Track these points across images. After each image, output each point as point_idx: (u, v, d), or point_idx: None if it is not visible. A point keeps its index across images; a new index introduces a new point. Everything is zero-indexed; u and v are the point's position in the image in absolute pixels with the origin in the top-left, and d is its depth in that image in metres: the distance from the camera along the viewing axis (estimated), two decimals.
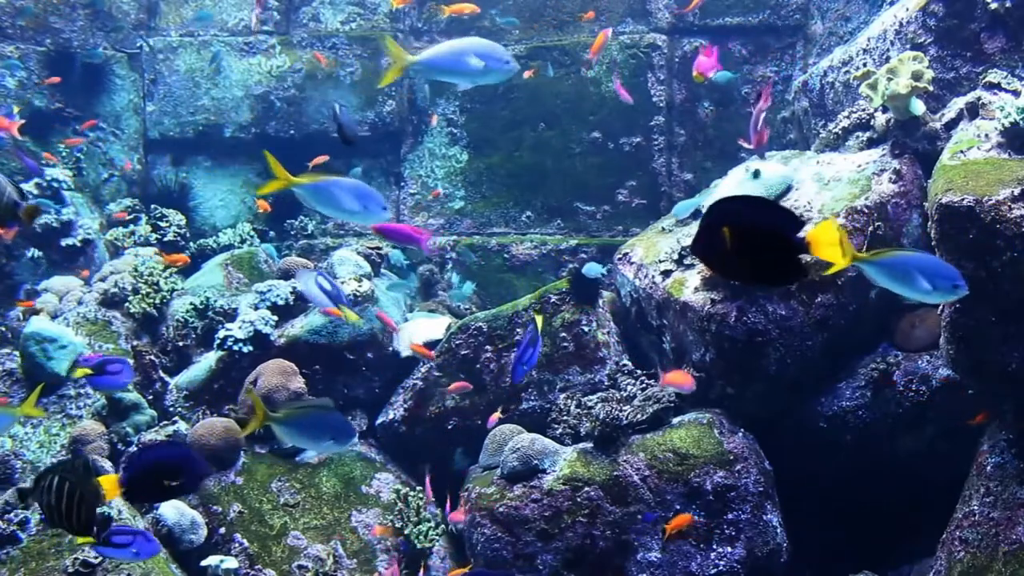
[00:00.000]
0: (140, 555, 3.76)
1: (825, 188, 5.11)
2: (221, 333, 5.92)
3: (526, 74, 7.17)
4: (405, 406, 5.80)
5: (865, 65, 5.65)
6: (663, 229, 5.89)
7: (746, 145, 5.32)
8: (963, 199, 3.83)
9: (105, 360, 5.04)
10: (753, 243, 2.27)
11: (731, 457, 4.76)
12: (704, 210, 5.49)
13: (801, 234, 2.25)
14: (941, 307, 4.09)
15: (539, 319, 4.85)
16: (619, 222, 7.47)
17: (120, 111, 8.02)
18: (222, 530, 5.09)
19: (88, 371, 4.97)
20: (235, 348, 5.84)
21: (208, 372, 5.93)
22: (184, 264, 6.96)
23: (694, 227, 5.53)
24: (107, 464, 5.11)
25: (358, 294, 6.06)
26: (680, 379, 4.79)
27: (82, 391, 5.80)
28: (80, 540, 3.90)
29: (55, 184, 7.19)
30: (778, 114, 7.45)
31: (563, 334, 5.61)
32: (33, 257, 6.93)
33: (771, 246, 2.25)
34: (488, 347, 5.68)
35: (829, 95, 6.29)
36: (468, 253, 7.42)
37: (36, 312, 6.24)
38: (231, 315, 6.21)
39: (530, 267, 7.45)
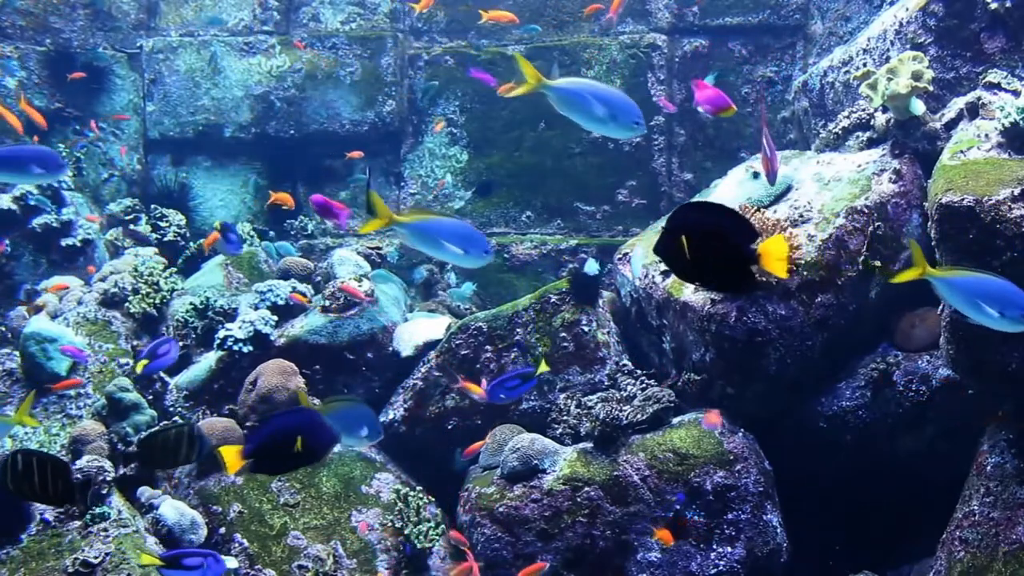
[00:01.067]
0: None
1: (825, 188, 5.11)
2: (221, 333, 5.92)
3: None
4: (405, 406, 5.80)
5: (865, 65, 5.65)
6: (663, 229, 5.88)
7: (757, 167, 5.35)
8: (963, 199, 3.83)
9: (154, 345, 5.28)
10: (708, 251, 2.38)
11: (731, 457, 4.76)
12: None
13: (754, 245, 2.35)
14: (941, 307, 4.10)
15: (544, 365, 4.89)
16: (619, 222, 7.47)
17: (120, 111, 8.01)
18: (222, 530, 5.09)
19: (146, 361, 5.25)
20: (235, 348, 5.84)
21: (208, 372, 5.93)
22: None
23: None
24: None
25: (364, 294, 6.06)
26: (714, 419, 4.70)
27: (82, 391, 5.80)
28: (145, 560, 3.90)
29: (55, 184, 7.19)
30: (778, 114, 7.45)
31: (563, 334, 5.61)
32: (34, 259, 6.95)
33: (725, 255, 2.36)
34: (488, 347, 5.68)
35: (829, 95, 6.29)
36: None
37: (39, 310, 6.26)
38: (231, 315, 6.21)
39: (530, 267, 7.45)
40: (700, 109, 3.75)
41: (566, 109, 3.52)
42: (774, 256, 2.36)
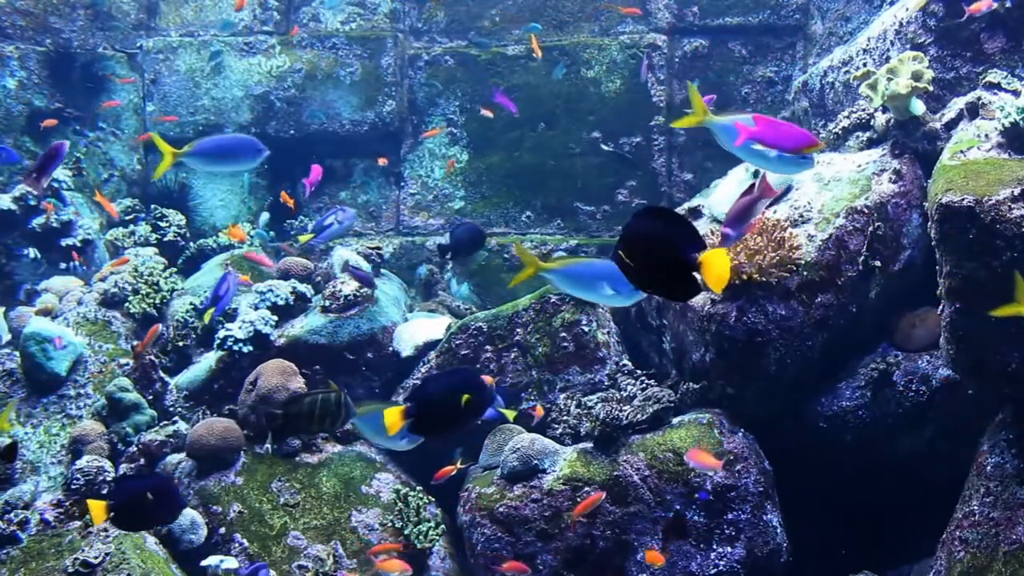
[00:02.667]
0: None
1: (825, 188, 5.11)
2: (221, 333, 5.92)
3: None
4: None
5: (865, 65, 5.65)
6: None
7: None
8: (963, 199, 3.83)
9: (216, 288, 5.55)
10: (656, 258, 2.48)
11: (731, 457, 4.76)
12: (705, 210, 5.44)
13: (698, 255, 2.44)
14: (941, 307, 4.09)
15: (510, 414, 5.10)
16: (619, 222, 7.46)
17: (120, 111, 8.01)
18: (222, 530, 5.09)
19: (212, 310, 5.58)
20: (235, 348, 5.84)
21: (208, 372, 5.93)
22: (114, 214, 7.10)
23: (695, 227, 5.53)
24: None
25: (358, 294, 6.06)
26: (706, 460, 4.60)
27: (82, 391, 5.80)
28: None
29: (55, 184, 7.19)
30: (778, 114, 7.45)
31: (563, 334, 5.61)
32: (34, 258, 6.95)
33: (670, 262, 2.45)
34: (488, 347, 5.68)
35: (829, 95, 6.29)
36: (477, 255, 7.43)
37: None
38: (231, 315, 6.21)
39: None
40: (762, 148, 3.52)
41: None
42: (713, 269, 2.42)
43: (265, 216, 7.42)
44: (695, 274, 2.44)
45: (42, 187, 4.47)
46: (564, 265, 3.49)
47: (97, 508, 3.36)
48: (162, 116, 7.82)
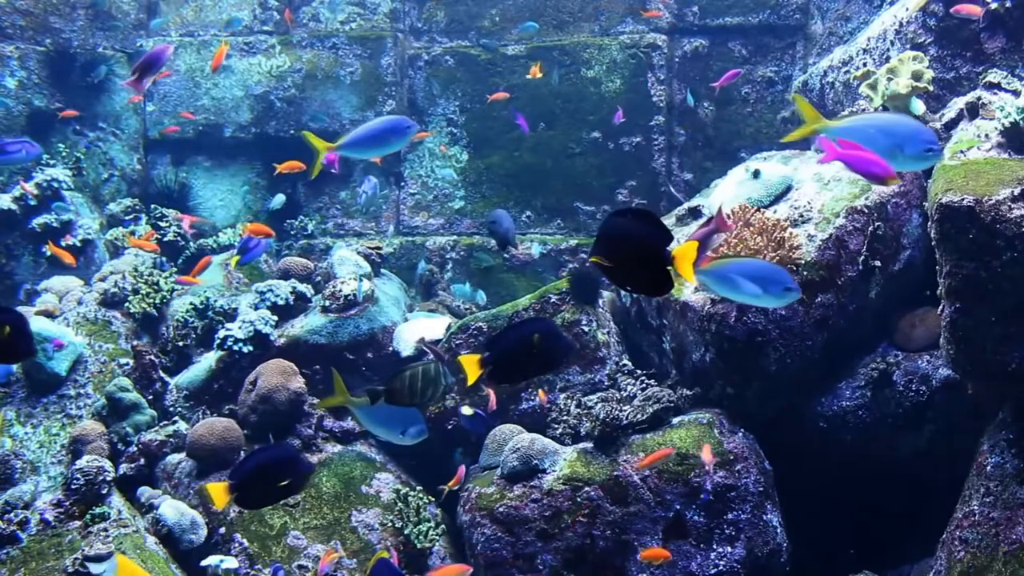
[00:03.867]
0: None
1: (825, 188, 5.11)
2: (221, 333, 5.92)
3: (497, 95, 7.20)
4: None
5: (865, 65, 5.65)
6: None
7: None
8: (963, 199, 3.83)
9: (245, 240, 5.73)
10: (632, 254, 2.60)
11: (731, 457, 4.75)
12: (705, 209, 5.44)
13: (670, 249, 2.57)
14: (941, 307, 4.09)
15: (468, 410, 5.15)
16: None
17: (120, 111, 8.02)
18: (222, 530, 5.09)
19: (237, 257, 5.77)
20: (235, 348, 5.84)
21: (208, 372, 5.93)
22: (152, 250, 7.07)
23: (694, 227, 5.53)
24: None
25: (357, 293, 6.06)
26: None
27: (82, 391, 5.80)
28: None
29: (55, 184, 7.19)
30: (778, 114, 7.45)
31: (563, 334, 5.60)
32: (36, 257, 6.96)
33: (645, 258, 2.58)
34: None
35: (829, 95, 6.29)
36: (482, 256, 7.43)
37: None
38: (231, 315, 6.21)
39: (530, 267, 7.45)
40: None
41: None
42: (684, 260, 2.56)
43: (280, 198, 7.38)
44: (668, 268, 2.58)
45: (143, 88, 4.53)
46: (713, 267, 3.42)
47: (217, 491, 3.17)
48: (183, 113, 7.82)
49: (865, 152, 3.35)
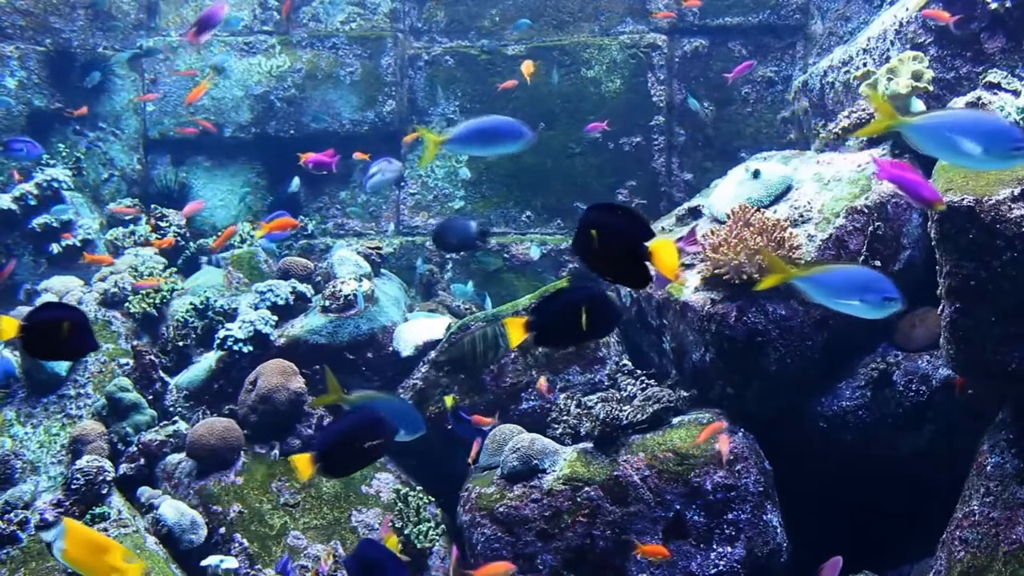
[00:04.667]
0: None
1: (825, 188, 5.11)
2: (221, 333, 5.92)
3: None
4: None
5: (865, 65, 5.65)
6: (663, 229, 5.89)
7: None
8: (963, 199, 3.83)
9: (275, 216, 5.87)
10: (612, 247, 2.64)
11: (731, 457, 4.75)
12: (705, 210, 5.44)
13: (648, 244, 2.62)
14: (941, 307, 4.09)
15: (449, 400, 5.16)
16: None
17: (120, 111, 8.02)
18: (222, 530, 5.09)
19: (263, 232, 5.91)
20: (235, 348, 5.84)
21: (208, 372, 5.93)
22: (169, 245, 7.12)
23: (694, 227, 5.54)
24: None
25: (357, 292, 6.06)
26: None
27: (82, 391, 5.80)
28: None
29: (55, 184, 7.19)
30: (778, 114, 7.45)
31: None
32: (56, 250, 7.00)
33: (624, 251, 2.63)
34: None
35: (829, 95, 6.29)
36: (489, 259, 7.43)
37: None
38: (231, 315, 6.21)
39: (530, 267, 7.46)
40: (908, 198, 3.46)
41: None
42: (662, 256, 2.62)
43: (297, 181, 7.37)
44: (647, 263, 2.63)
45: (200, 42, 4.59)
46: (813, 272, 3.29)
47: (302, 461, 3.10)
48: (162, 116, 7.81)
49: (916, 175, 3.28)
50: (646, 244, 2.63)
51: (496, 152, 4.01)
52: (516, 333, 2.96)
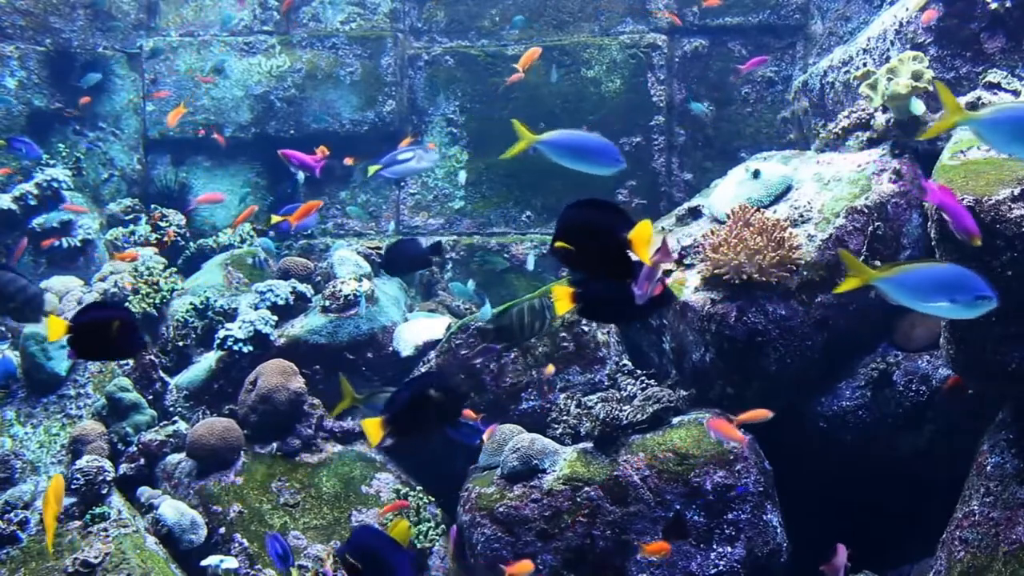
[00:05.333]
0: None
1: (825, 188, 5.11)
2: (221, 333, 5.92)
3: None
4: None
5: (865, 65, 5.65)
6: (663, 229, 5.89)
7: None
8: (963, 199, 3.82)
9: (285, 211, 5.88)
10: (592, 239, 2.64)
11: (731, 457, 4.75)
12: (705, 210, 5.45)
13: (627, 233, 2.61)
14: None
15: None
16: None
17: (120, 111, 8.02)
18: (222, 530, 5.09)
19: (280, 219, 5.92)
20: (235, 348, 5.84)
21: (208, 372, 5.93)
22: (169, 239, 7.22)
23: (694, 227, 5.54)
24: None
25: (357, 293, 6.06)
26: (730, 432, 4.53)
27: (82, 391, 5.80)
28: None
29: (55, 184, 7.19)
30: (778, 114, 7.45)
31: (563, 334, 5.60)
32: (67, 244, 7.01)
33: (605, 242, 2.62)
34: None
35: (829, 95, 6.29)
36: (496, 259, 7.43)
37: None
38: (231, 315, 6.21)
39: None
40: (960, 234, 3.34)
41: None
42: (641, 240, 2.59)
43: (301, 175, 7.38)
44: (628, 252, 2.62)
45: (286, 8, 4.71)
46: (895, 274, 3.11)
47: (372, 426, 3.07)
48: (162, 116, 7.81)
49: (961, 205, 3.19)
50: (625, 234, 2.61)
51: (584, 168, 3.94)
52: (563, 303, 2.91)
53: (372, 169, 5.96)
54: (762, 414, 4.51)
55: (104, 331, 2.96)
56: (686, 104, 7.46)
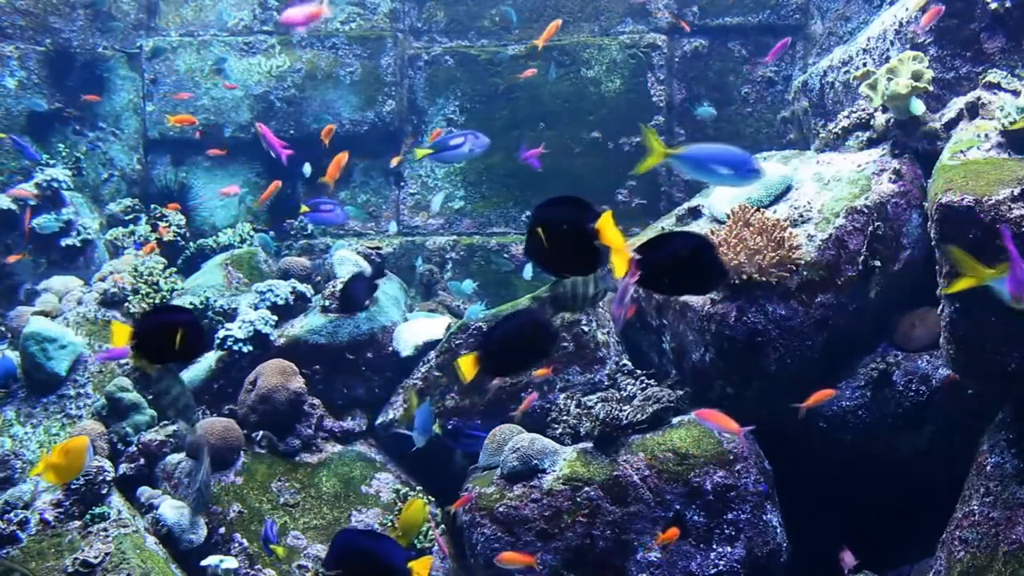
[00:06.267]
0: None
1: (825, 188, 5.11)
2: (221, 333, 5.92)
3: (526, 73, 7.18)
4: (405, 406, 5.80)
5: (865, 65, 5.65)
6: (663, 229, 5.89)
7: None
8: (963, 199, 3.83)
9: (319, 201, 5.86)
10: (560, 235, 2.68)
11: (731, 457, 4.75)
12: (705, 209, 5.45)
13: (594, 224, 2.66)
14: (941, 307, 4.09)
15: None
16: (619, 222, 7.42)
17: (120, 111, 8.01)
18: (222, 530, 5.09)
19: (307, 209, 5.90)
20: (235, 348, 5.84)
21: (208, 372, 5.93)
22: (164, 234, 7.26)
23: (694, 227, 5.53)
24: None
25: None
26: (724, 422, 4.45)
27: (82, 391, 5.80)
28: None
29: (55, 184, 7.19)
30: (778, 114, 7.45)
31: (563, 334, 5.60)
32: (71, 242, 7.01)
33: (573, 236, 2.66)
34: None
35: (829, 95, 6.29)
36: (502, 260, 7.42)
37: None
38: (231, 315, 6.21)
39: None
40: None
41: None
42: (609, 230, 2.65)
43: (308, 167, 7.36)
44: (596, 242, 2.67)
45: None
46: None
47: (467, 363, 3.04)
48: (162, 116, 7.81)
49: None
50: (592, 224, 2.65)
51: (717, 182, 3.84)
52: (622, 267, 2.83)
53: (420, 152, 5.86)
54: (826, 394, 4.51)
55: (169, 335, 2.97)
56: (692, 110, 7.45)
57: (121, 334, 2.98)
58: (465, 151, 5.82)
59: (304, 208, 6.15)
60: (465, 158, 6.19)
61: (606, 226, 2.65)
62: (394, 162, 7.30)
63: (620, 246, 2.65)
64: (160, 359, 3.11)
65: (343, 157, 6.17)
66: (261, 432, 5.55)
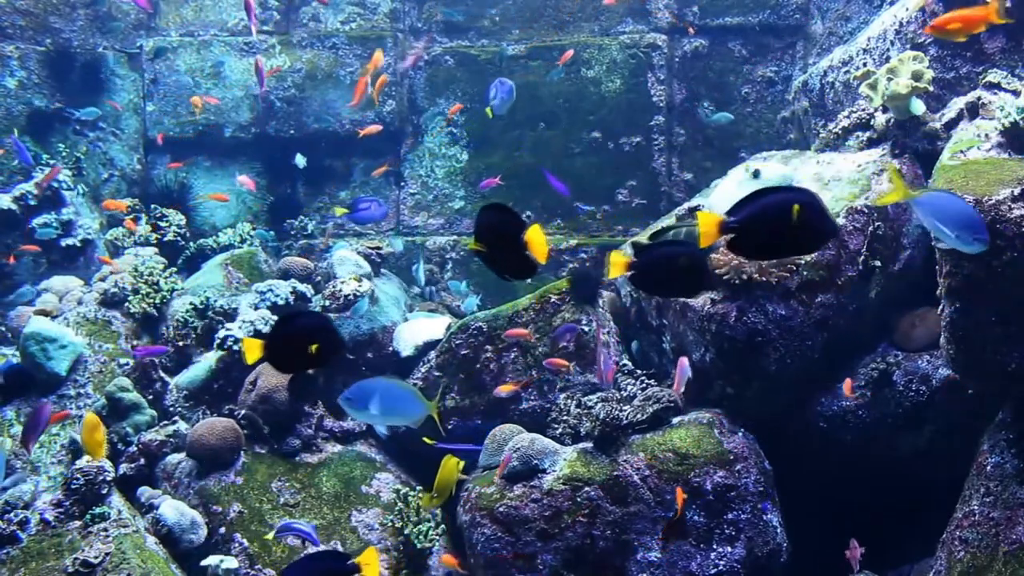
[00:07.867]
0: None
1: (825, 188, 5.11)
2: (221, 333, 5.92)
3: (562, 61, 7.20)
4: None
5: (865, 65, 5.65)
6: (662, 228, 5.89)
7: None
8: (963, 199, 3.82)
9: (357, 200, 5.87)
10: (498, 243, 2.78)
11: (731, 457, 4.76)
12: (703, 207, 5.45)
13: (524, 235, 2.72)
14: (941, 307, 4.09)
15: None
16: (619, 222, 7.47)
17: (120, 111, 8.01)
18: (222, 530, 5.09)
19: (345, 210, 5.94)
20: (235, 348, 5.84)
21: (208, 372, 5.92)
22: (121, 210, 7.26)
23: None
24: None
25: (358, 294, 6.06)
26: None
27: (82, 391, 5.80)
28: None
29: (55, 184, 7.18)
30: (778, 114, 7.45)
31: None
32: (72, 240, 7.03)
33: (508, 245, 2.74)
34: (488, 347, 5.68)
35: (829, 95, 6.29)
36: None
37: None
38: (231, 315, 6.21)
39: None
40: None
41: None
42: (534, 243, 2.72)
43: (302, 159, 7.35)
44: (527, 253, 2.72)
45: None
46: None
47: (619, 263, 3.00)
48: (162, 116, 7.80)
49: None
50: (522, 237, 2.71)
51: (940, 236, 3.61)
52: (708, 232, 2.69)
53: (339, 211, 6.42)
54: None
55: (300, 343, 2.88)
56: (706, 116, 7.44)
57: (253, 350, 2.88)
58: (374, 214, 6.31)
59: (340, 211, 6.18)
60: (377, 219, 6.46)
61: (533, 240, 2.73)
62: (377, 172, 7.31)
63: (544, 258, 2.76)
64: (297, 369, 3.00)
65: (382, 80, 6.18)
66: (242, 412, 5.49)
